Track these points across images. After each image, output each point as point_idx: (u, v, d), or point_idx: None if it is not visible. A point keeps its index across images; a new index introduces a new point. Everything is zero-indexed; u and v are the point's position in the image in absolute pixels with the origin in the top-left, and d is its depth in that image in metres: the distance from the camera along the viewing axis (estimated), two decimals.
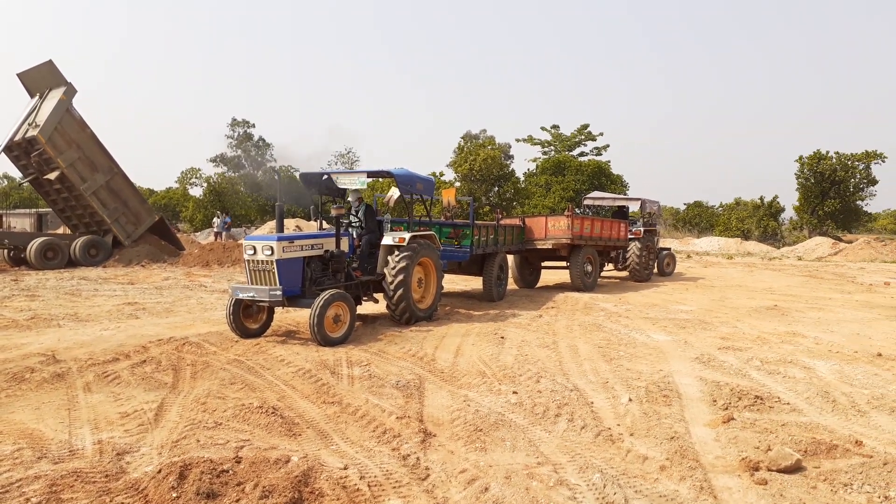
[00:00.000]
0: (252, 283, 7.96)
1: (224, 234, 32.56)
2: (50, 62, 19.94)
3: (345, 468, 4.00)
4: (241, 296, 7.82)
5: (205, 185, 53.28)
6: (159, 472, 3.76)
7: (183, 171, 61.38)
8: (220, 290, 13.80)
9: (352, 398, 5.53)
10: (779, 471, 4.08)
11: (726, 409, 5.42)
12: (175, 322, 9.40)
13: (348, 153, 67.87)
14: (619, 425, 5.02)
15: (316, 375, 6.20)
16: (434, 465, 4.14)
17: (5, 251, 19.76)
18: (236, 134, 68.28)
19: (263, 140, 68.94)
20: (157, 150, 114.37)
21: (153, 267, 19.24)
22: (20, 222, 27.87)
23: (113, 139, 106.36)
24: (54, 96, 19.53)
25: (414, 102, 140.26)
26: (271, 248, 7.72)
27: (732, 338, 8.66)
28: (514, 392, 5.81)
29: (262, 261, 7.80)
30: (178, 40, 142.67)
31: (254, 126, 68.57)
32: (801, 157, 44.90)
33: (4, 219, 29.40)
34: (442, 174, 47.46)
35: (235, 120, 68.06)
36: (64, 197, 20.59)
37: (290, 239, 8.03)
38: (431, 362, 6.94)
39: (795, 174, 45.49)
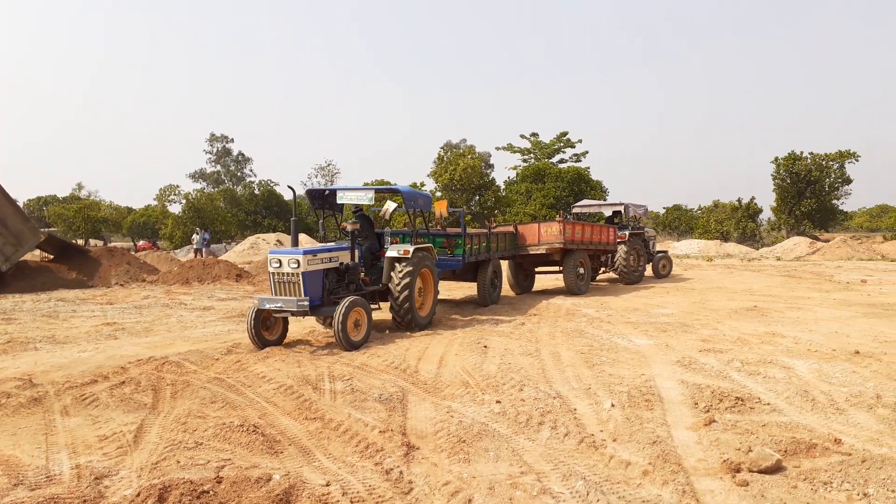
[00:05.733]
0: (277, 295, 8.39)
1: (204, 250, 32.32)
2: None
3: (327, 485, 3.97)
4: (267, 306, 8.28)
5: (184, 201, 52.79)
6: (138, 495, 3.71)
7: (161, 188, 60.79)
8: (200, 307, 13.67)
9: (334, 413, 5.49)
10: (759, 472, 4.11)
11: (708, 411, 5.45)
12: (155, 341, 9.29)
13: (328, 165, 67.98)
14: (601, 431, 5.03)
15: (298, 392, 6.16)
16: (417, 479, 4.12)
17: None
18: (215, 149, 68.07)
19: (243, 154, 68.82)
20: (135, 167, 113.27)
21: (132, 286, 19.03)
22: None
23: (92, 155, 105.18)
24: None
25: (394, 108, 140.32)
26: (297, 262, 8.24)
27: (713, 340, 8.74)
28: (498, 401, 5.81)
29: (288, 273, 8.30)
30: (159, 54, 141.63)
31: (232, 141, 68.54)
32: (776, 159, 45.69)
33: None
34: (423, 184, 47.59)
35: (214, 135, 67.92)
36: None
37: (314, 252, 8.55)
38: (414, 374, 6.92)
39: (772, 175, 46.30)
